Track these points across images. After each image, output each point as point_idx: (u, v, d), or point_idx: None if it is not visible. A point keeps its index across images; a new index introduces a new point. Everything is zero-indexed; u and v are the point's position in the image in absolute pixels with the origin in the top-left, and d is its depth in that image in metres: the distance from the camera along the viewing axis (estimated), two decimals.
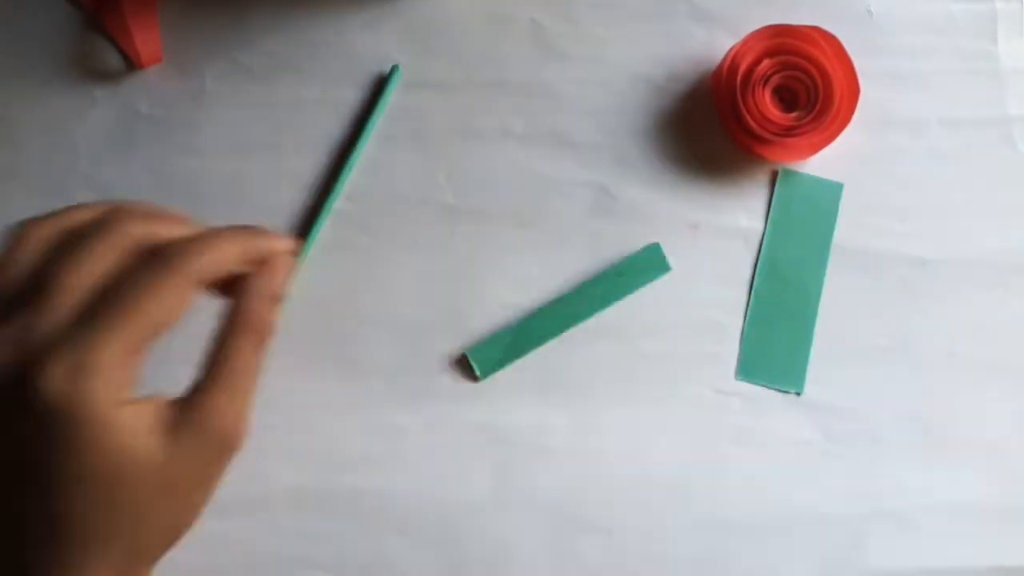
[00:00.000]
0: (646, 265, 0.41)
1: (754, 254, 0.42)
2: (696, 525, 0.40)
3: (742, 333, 0.41)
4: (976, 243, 0.42)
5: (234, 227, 0.31)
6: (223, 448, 0.30)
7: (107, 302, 0.28)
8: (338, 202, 0.42)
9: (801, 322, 0.41)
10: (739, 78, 0.40)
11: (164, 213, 0.31)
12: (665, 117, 0.43)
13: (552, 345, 0.41)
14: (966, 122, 0.42)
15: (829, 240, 0.42)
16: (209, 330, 0.30)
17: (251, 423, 0.30)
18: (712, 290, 0.41)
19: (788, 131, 0.40)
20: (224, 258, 0.30)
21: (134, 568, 0.30)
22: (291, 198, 0.42)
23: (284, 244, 0.32)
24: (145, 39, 0.43)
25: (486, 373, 0.40)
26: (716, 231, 0.42)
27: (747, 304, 0.41)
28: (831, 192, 0.42)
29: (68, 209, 0.31)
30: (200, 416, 0.29)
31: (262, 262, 0.31)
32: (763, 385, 0.41)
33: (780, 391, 0.41)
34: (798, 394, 0.41)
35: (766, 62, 0.40)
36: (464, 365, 0.41)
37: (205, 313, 0.31)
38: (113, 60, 0.44)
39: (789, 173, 0.42)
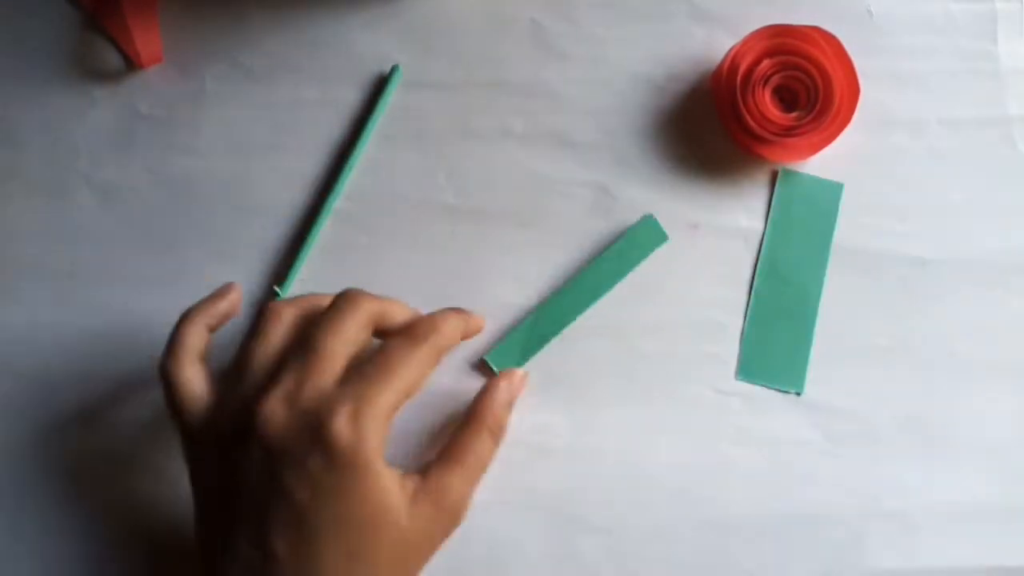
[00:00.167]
0: (643, 239, 0.41)
1: (754, 254, 0.42)
2: (696, 525, 0.40)
3: (742, 333, 0.41)
4: (976, 243, 0.42)
5: (450, 309, 0.37)
6: (450, 522, 0.35)
7: (376, 367, 0.33)
8: (338, 202, 0.42)
9: (801, 322, 0.41)
10: (739, 78, 0.40)
11: (391, 301, 0.37)
12: (665, 117, 0.43)
13: (553, 345, 0.41)
14: (966, 122, 0.42)
15: (829, 240, 0.42)
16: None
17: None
18: (712, 290, 0.41)
19: (788, 131, 0.40)
20: (455, 335, 0.36)
21: None
22: (291, 198, 0.42)
23: (482, 321, 0.40)
24: (145, 39, 0.43)
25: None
26: (716, 231, 0.42)
27: (747, 304, 0.41)
28: (831, 192, 0.42)
29: (306, 296, 0.37)
30: (438, 490, 0.34)
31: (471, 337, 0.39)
32: (763, 385, 0.41)
33: (780, 391, 0.41)
34: (798, 394, 0.41)
35: (766, 62, 0.40)
36: (483, 368, 0.41)
37: None
38: (113, 60, 0.44)
39: (789, 173, 0.42)
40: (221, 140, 0.43)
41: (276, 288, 0.41)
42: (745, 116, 0.40)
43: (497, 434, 0.37)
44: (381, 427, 0.33)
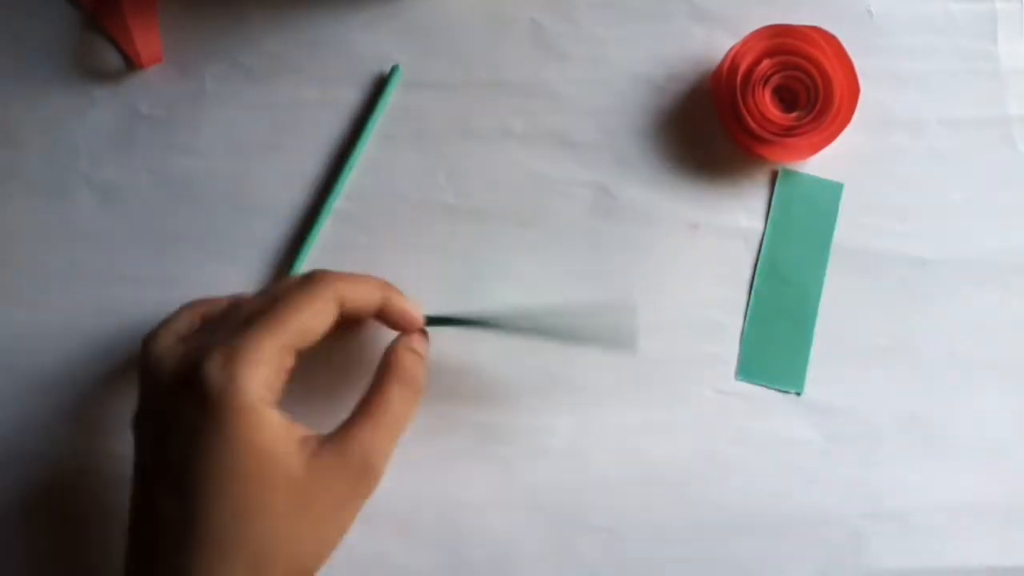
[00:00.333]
0: (613, 333, 0.38)
1: (754, 254, 0.42)
2: (696, 525, 0.40)
3: (742, 333, 0.41)
4: (976, 243, 0.42)
5: (370, 276, 0.36)
6: (360, 476, 0.33)
7: (263, 312, 0.32)
8: (338, 202, 0.42)
9: (801, 322, 0.41)
10: (739, 78, 0.40)
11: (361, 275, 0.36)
12: (665, 117, 0.43)
13: (552, 344, 0.41)
14: (966, 122, 0.42)
15: (829, 240, 0.42)
16: None
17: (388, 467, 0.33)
18: (712, 290, 0.41)
19: (788, 131, 0.40)
20: (365, 294, 0.35)
21: None
22: (291, 198, 0.42)
23: (416, 311, 0.37)
24: (145, 39, 0.43)
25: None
26: (716, 231, 0.42)
27: (747, 304, 0.41)
28: (831, 192, 0.42)
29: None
30: (344, 442, 0.32)
31: (395, 322, 0.37)
32: (763, 385, 0.41)
33: (780, 391, 0.41)
34: (798, 394, 0.41)
35: (766, 62, 0.40)
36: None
37: None
38: (113, 60, 0.44)
39: (789, 173, 0.42)
40: (221, 140, 0.43)
41: None
42: (745, 116, 0.40)
43: (410, 384, 0.35)
44: (259, 371, 0.31)
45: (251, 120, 0.43)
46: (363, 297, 0.35)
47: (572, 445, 0.40)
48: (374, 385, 0.35)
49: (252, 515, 0.30)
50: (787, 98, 0.41)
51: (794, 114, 0.41)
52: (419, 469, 0.40)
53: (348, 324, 0.36)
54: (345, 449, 0.32)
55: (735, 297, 0.41)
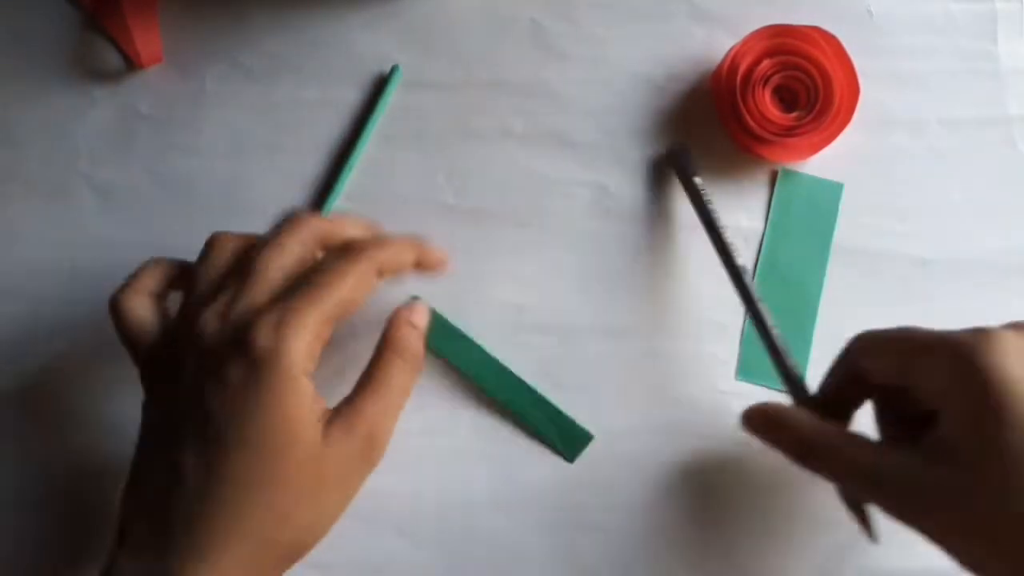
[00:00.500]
0: (567, 435, 0.40)
1: (754, 254, 0.42)
2: (696, 525, 0.40)
3: (742, 333, 0.41)
4: (976, 243, 0.42)
5: (403, 235, 0.37)
6: (366, 450, 0.33)
7: (308, 281, 0.33)
8: (338, 202, 0.42)
9: (801, 322, 0.41)
10: (739, 78, 0.40)
11: (344, 216, 0.36)
12: (665, 117, 0.43)
13: (552, 345, 0.41)
14: (966, 122, 0.42)
15: (829, 240, 0.42)
16: None
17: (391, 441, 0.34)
18: (712, 290, 0.41)
19: (788, 131, 0.40)
20: (401, 256, 0.35)
21: (262, 555, 0.32)
22: (291, 198, 0.42)
23: (445, 257, 0.38)
24: (145, 39, 0.43)
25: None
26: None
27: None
28: (831, 192, 0.42)
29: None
30: (351, 417, 0.33)
31: (429, 274, 0.38)
32: (763, 385, 0.41)
33: (780, 391, 0.41)
34: None
35: (766, 62, 0.40)
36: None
37: None
38: (113, 60, 0.44)
39: (789, 173, 0.42)
40: (221, 140, 0.43)
41: None
42: (745, 116, 0.40)
43: (409, 360, 0.36)
44: (306, 338, 0.32)
45: (251, 120, 0.43)
46: (399, 260, 0.35)
47: None
48: (375, 359, 0.35)
49: (271, 484, 0.31)
50: (787, 98, 0.41)
51: (794, 114, 0.41)
52: (419, 469, 0.40)
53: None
54: (353, 425, 0.33)
55: (735, 297, 0.41)
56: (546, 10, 0.43)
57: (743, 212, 0.42)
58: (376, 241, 0.35)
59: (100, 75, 0.43)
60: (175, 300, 0.36)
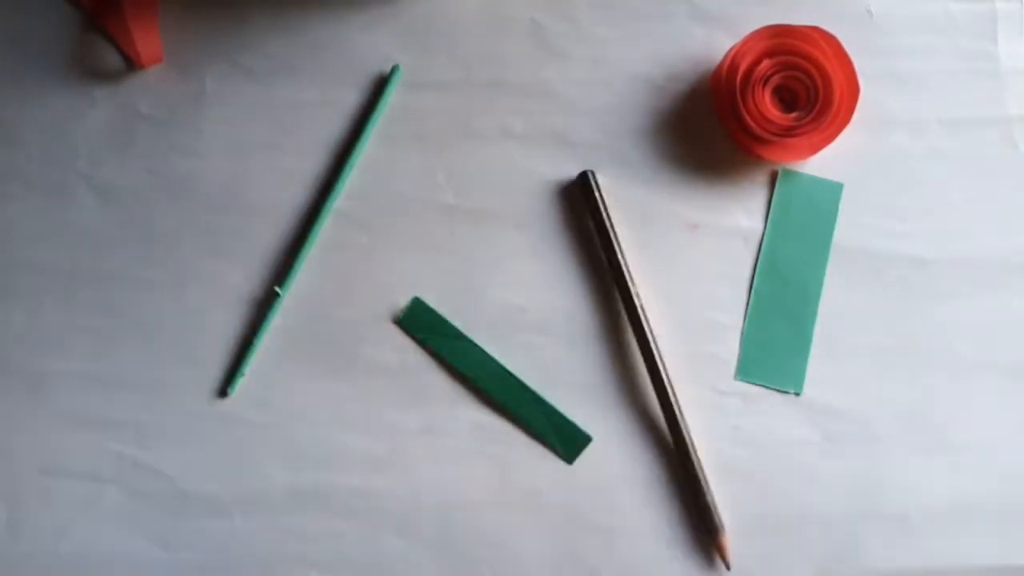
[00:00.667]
0: (566, 437, 0.40)
1: (754, 254, 0.42)
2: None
3: (742, 333, 0.41)
4: (976, 243, 0.42)
5: None
6: None
7: None
8: (338, 202, 0.42)
9: (801, 322, 0.41)
10: (739, 78, 0.40)
11: None
12: (665, 117, 0.43)
13: (551, 345, 0.41)
14: (966, 122, 0.42)
15: (829, 240, 0.42)
16: None
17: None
18: (712, 290, 0.41)
19: (788, 131, 0.40)
20: None
21: None
22: (291, 198, 0.42)
23: None
24: (145, 39, 0.43)
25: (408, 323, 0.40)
26: (716, 231, 0.42)
27: (747, 304, 0.41)
28: (831, 192, 0.42)
29: None
30: None
31: None
32: (762, 385, 0.41)
33: (779, 391, 0.41)
34: (797, 394, 0.41)
35: (766, 62, 0.40)
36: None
37: None
38: (113, 60, 0.44)
39: (789, 173, 0.42)
40: (221, 140, 0.43)
41: (276, 288, 0.41)
42: (745, 116, 0.40)
43: None
44: None
45: (251, 120, 0.43)
46: None
47: None
48: None
49: None
50: (787, 98, 0.41)
51: (794, 114, 0.41)
52: (419, 469, 0.40)
53: None
54: None
55: (735, 297, 0.41)
56: (546, 10, 0.43)
57: (743, 212, 0.42)
58: None
59: (100, 75, 0.43)
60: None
